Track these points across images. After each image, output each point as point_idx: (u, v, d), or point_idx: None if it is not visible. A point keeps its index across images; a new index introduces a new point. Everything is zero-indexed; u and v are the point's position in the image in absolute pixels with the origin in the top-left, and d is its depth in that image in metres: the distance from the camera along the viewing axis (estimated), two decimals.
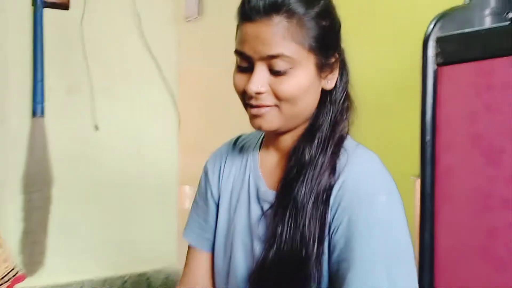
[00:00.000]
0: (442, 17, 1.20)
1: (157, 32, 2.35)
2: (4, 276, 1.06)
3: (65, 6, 2.10)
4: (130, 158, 2.33)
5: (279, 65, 0.81)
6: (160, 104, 2.39)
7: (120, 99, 2.29)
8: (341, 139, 0.89)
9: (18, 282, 1.11)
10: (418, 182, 1.29)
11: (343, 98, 0.91)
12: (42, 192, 2.07)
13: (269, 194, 0.92)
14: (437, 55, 1.22)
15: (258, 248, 0.91)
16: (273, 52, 0.80)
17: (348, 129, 0.91)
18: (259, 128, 0.88)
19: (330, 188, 0.84)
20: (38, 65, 2.04)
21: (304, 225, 0.83)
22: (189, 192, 2.42)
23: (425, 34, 1.22)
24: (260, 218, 0.92)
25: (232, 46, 0.89)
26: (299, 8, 0.81)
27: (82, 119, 2.22)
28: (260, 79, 0.82)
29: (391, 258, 0.81)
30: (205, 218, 1.03)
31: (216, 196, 1.02)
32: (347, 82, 0.92)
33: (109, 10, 2.27)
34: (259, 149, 0.99)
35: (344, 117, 0.90)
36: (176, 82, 2.43)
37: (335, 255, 0.83)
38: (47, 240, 2.11)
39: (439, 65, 1.22)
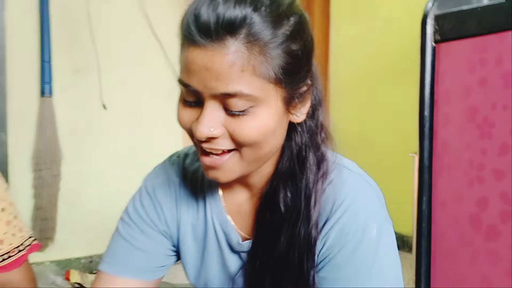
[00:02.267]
0: None
1: (161, 13, 2.36)
2: (20, 245, 1.07)
3: None
4: (136, 137, 2.35)
5: (237, 105, 0.62)
6: (165, 85, 2.41)
7: (127, 79, 2.31)
8: (323, 172, 0.73)
9: (34, 251, 1.11)
10: (416, 159, 1.34)
11: (316, 128, 0.75)
12: (51, 170, 2.11)
13: (244, 245, 0.78)
14: (435, 32, 1.24)
15: None
16: (228, 90, 0.61)
17: (327, 156, 0.75)
18: (215, 180, 0.71)
19: (316, 236, 0.71)
20: (45, 45, 2.07)
21: (289, 283, 0.72)
22: None
23: (424, 12, 1.24)
24: (239, 270, 0.80)
25: None
26: (263, 30, 0.61)
27: (90, 99, 2.24)
28: (211, 121, 0.63)
29: None
30: (143, 246, 0.82)
31: (171, 234, 0.84)
32: (319, 108, 0.75)
33: None
34: (217, 183, 0.80)
35: (321, 148, 0.74)
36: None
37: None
38: (57, 216, 2.16)
39: (437, 42, 1.24)
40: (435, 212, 1.27)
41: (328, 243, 0.70)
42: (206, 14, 0.59)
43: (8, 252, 1.04)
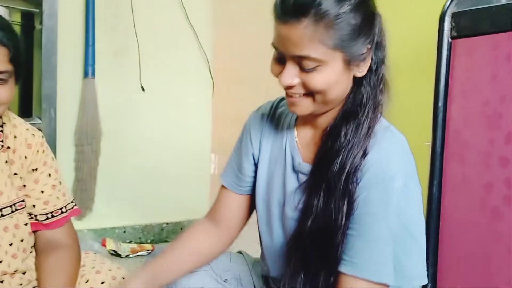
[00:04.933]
0: None
1: (194, 2, 2.42)
2: (62, 207, 1.15)
3: None
4: (171, 118, 2.42)
5: (307, 64, 0.82)
6: (197, 71, 2.47)
7: (163, 63, 2.37)
8: (374, 121, 0.89)
9: (74, 215, 1.19)
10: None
11: (376, 82, 0.91)
12: (92, 146, 2.19)
13: (304, 166, 0.96)
14: (451, 29, 1.31)
15: (292, 217, 0.96)
16: (300, 53, 0.81)
17: (382, 111, 0.92)
18: (295, 113, 0.93)
19: (358, 167, 0.86)
20: (89, 30, 2.15)
21: (334, 201, 0.87)
22: (214, 158, 2.54)
23: (442, 10, 1.31)
24: (296, 189, 0.96)
25: (265, 16, 0.92)
26: (329, 10, 0.79)
27: (129, 81, 2.31)
28: (290, 74, 0.84)
29: (400, 240, 0.85)
30: (241, 170, 1.07)
31: (256, 155, 1.05)
32: (381, 66, 0.91)
33: None
34: (295, 122, 1.01)
35: (378, 100, 0.91)
36: (211, 51, 2.50)
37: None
38: (95, 188, 2.24)
39: (453, 38, 1.31)
40: (445, 196, 1.34)
41: (363, 179, 0.86)
42: None
43: (52, 212, 1.13)
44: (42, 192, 1.12)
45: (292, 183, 0.98)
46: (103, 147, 2.24)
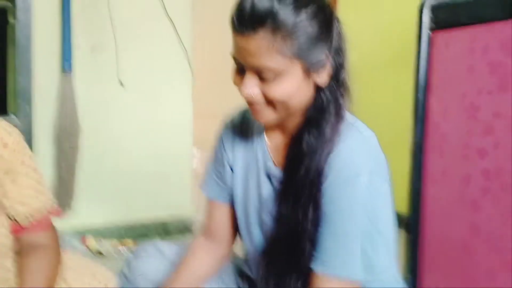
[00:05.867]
0: None
1: None
2: (42, 208, 1.11)
3: None
4: (150, 113, 2.41)
5: (266, 74, 0.82)
6: (176, 65, 2.45)
7: (142, 58, 2.36)
8: (337, 125, 0.89)
9: (55, 215, 1.17)
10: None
11: (337, 87, 0.91)
12: (70, 142, 2.17)
13: (276, 171, 0.97)
14: (430, 21, 1.32)
15: (269, 222, 0.98)
16: (259, 64, 0.81)
17: (344, 115, 0.91)
18: (258, 122, 0.94)
19: (323, 169, 0.87)
20: (66, 24, 2.12)
21: (301, 206, 0.88)
22: (196, 153, 2.52)
23: (421, 2, 1.31)
24: (270, 195, 0.98)
25: None
26: (286, 20, 0.79)
27: (107, 76, 2.29)
28: (250, 85, 0.84)
29: (367, 236, 0.86)
30: (221, 178, 1.08)
31: (231, 163, 1.06)
32: (341, 70, 0.91)
33: None
34: (264, 128, 1.02)
35: (339, 104, 0.90)
36: (191, 44, 2.48)
37: None
38: (75, 185, 2.22)
39: (432, 30, 1.32)
40: (426, 189, 1.35)
41: (328, 179, 0.87)
42: (244, 9, 0.80)
43: (32, 213, 1.09)
44: (21, 193, 1.09)
45: (266, 188, 0.99)
46: (82, 144, 2.23)
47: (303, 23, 0.80)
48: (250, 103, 0.89)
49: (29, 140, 1.74)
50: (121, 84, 2.31)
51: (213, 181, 1.10)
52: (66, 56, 2.14)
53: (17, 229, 1.10)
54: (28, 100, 1.76)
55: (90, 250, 2.19)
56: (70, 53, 2.15)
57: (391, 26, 2.65)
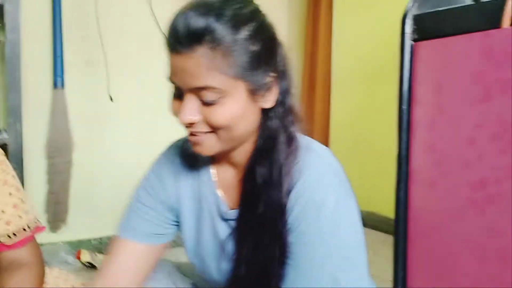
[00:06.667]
0: None
1: (166, 9, 2.34)
2: (25, 226, 1.12)
3: None
4: (142, 126, 2.42)
5: (207, 95, 0.76)
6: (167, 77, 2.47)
7: (133, 72, 2.37)
8: (291, 155, 0.83)
9: (38, 232, 1.17)
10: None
11: (284, 113, 0.85)
12: (63, 157, 2.18)
13: (232, 213, 0.90)
14: (413, 31, 1.31)
15: (228, 266, 0.91)
16: (199, 84, 0.75)
17: (297, 144, 0.85)
18: (200, 153, 0.84)
19: (286, 203, 0.82)
20: (57, 41, 2.15)
21: (265, 246, 0.82)
22: None
23: (404, 12, 1.31)
24: (228, 236, 0.90)
25: None
26: (225, 36, 0.74)
27: (98, 91, 2.30)
28: (190, 110, 0.77)
29: (339, 264, 0.81)
30: (152, 219, 0.97)
31: (174, 203, 0.96)
32: (287, 95, 0.86)
33: None
34: (210, 159, 0.93)
35: (290, 132, 0.85)
36: None
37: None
38: (69, 200, 2.23)
39: (415, 40, 1.31)
40: (411, 198, 1.35)
41: (294, 213, 0.81)
42: (179, 26, 0.74)
43: (14, 232, 1.10)
44: (3, 212, 1.10)
45: (223, 231, 0.91)
46: (75, 159, 2.24)
47: (244, 40, 0.75)
48: (190, 133, 0.82)
49: (19, 157, 1.76)
50: (111, 99, 2.32)
51: (137, 220, 0.97)
52: (58, 72, 2.16)
53: (1, 247, 1.11)
54: (18, 118, 1.77)
55: (84, 264, 2.19)
56: (62, 69, 2.17)
57: (391, 31, 2.65)
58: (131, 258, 0.95)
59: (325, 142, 2.91)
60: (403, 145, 1.35)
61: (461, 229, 1.19)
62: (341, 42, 2.93)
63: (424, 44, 1.30)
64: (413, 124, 1.33)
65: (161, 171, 0.97)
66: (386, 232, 2.50)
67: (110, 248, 0.98)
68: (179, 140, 1.02)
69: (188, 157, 0.96)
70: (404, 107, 1.35)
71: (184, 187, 0.95)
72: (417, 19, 1.31)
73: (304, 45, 2.95)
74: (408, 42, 1.33)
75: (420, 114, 1.32)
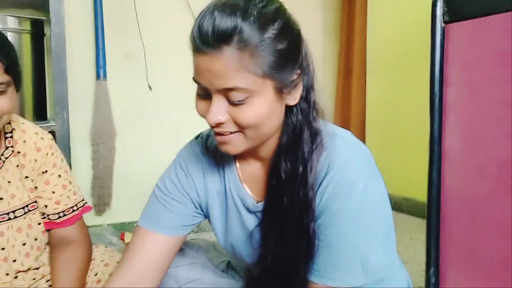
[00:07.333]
0: None
1: (202, 2, 2.44)
2: (73, 206, 1.20)
3: None
4: (179, 115, 2.44)
5: (236, 96, 0.74)
6: None
7: (170, 64, 2.40)
8: (317, 151, 0.83)
9: (85, 212, 1.23)
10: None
11: (308, 109, 0.85)
12: (107, 144, 2.26)
13: (259, 206, 0.90)
14: (444, 13, 1.32)
15: (256, 253, 0.92)
16: (227, 85, 0.74)
17: (322, 138, 0.85)
18: (227, 152, 0.84)
19: (312, 196, 0.82)
20: (99, 34, 2.23)
21: (291, 239, 0.83)
22: None
23: None
24: (255, 228, 0.91)
25: None
26: (252, 36, 0.72)
27: (138, 82, 2.37)
28: (218, 110, 0.76)
29: (366, 242, 0.82)
30: (173, 210, 0.97)
31: (200, 201, 0.97)
32: (311, 91, 0.85)
33: None
34: (234, 157, 0.93)
35: (314, 128, 0.84)
36: None
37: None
38: (112, 184, 2.32)
39: (446, 23, 1.31)
40: (444, 179, 1.35)
41: (324, 198, 0.82)
42: (206, 27, 0.73)
43: (63, 211, 1.18)
44: (53, 192, 1.17)
45: (251, 223, 0.92)
46: (117, 146, 2.31)
47: (271, 39, 0.74)
48: (218, 132, 0.81)
49: (66, 143, 1.84)
50: (150, 88, 2.38)
51: (161, 211, 0.97)
52: (100, 63, 2.23)
53: (51, 225, 1.18)
54: (64, 107, 1.85)
55: (127, 245, 2.27)
56: (104, 61, 2.24)
57: (410, 21, 2.63)
58: (156, 251, 0.95)
59: (362, 128, 2.91)
60: (436, 127, 1.35)
61: (490, 209, 1.19)
62: (375, 28, 2.92)
63: (454, 26, 1.30)
64: (445, 106, 1.34)
65: (189, 167, 0.97)
66: (423, 217, 2.48)
67: (133, 236, 0.98)
68: (200, 136, 1.01)
69: (212, 152, 0.96)
70: (436, 88, 1.35)
71: (212, 182, 0.95)
72: (448, 1, 1.31)
73: (340, 33, 2.96)
74: (439, 25, 1.33)
75: (451, 95, 1.32)
